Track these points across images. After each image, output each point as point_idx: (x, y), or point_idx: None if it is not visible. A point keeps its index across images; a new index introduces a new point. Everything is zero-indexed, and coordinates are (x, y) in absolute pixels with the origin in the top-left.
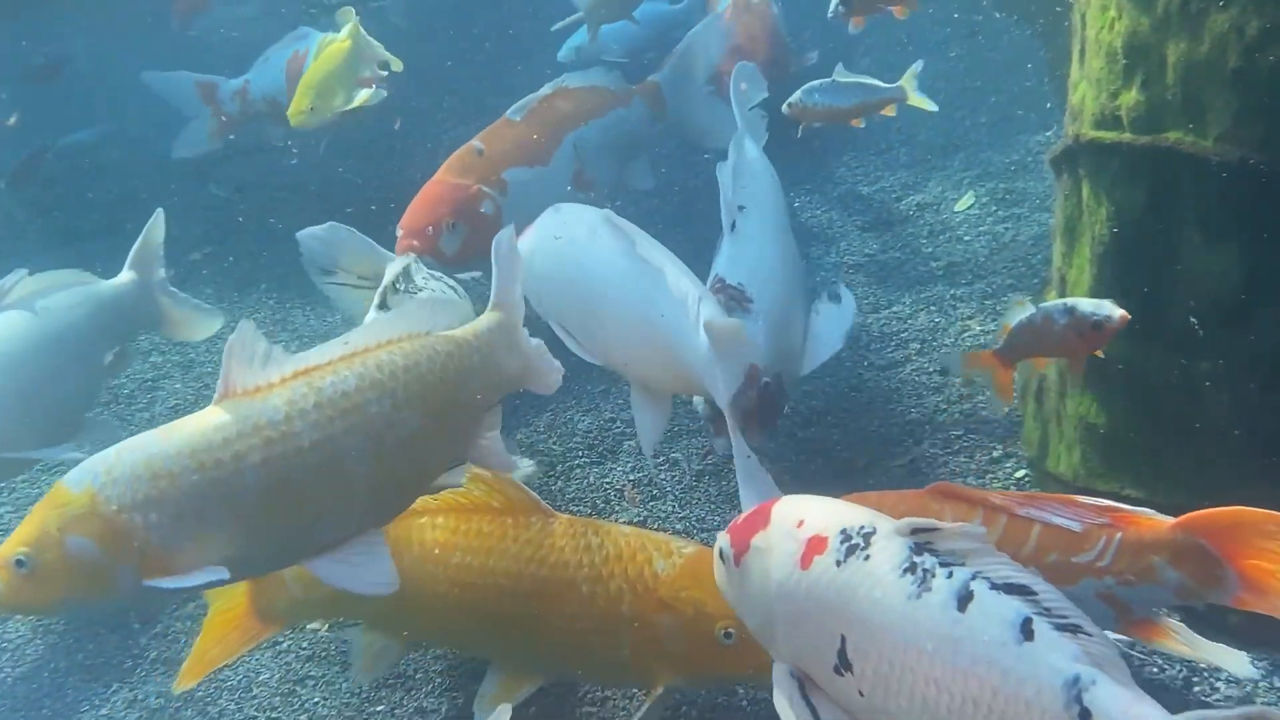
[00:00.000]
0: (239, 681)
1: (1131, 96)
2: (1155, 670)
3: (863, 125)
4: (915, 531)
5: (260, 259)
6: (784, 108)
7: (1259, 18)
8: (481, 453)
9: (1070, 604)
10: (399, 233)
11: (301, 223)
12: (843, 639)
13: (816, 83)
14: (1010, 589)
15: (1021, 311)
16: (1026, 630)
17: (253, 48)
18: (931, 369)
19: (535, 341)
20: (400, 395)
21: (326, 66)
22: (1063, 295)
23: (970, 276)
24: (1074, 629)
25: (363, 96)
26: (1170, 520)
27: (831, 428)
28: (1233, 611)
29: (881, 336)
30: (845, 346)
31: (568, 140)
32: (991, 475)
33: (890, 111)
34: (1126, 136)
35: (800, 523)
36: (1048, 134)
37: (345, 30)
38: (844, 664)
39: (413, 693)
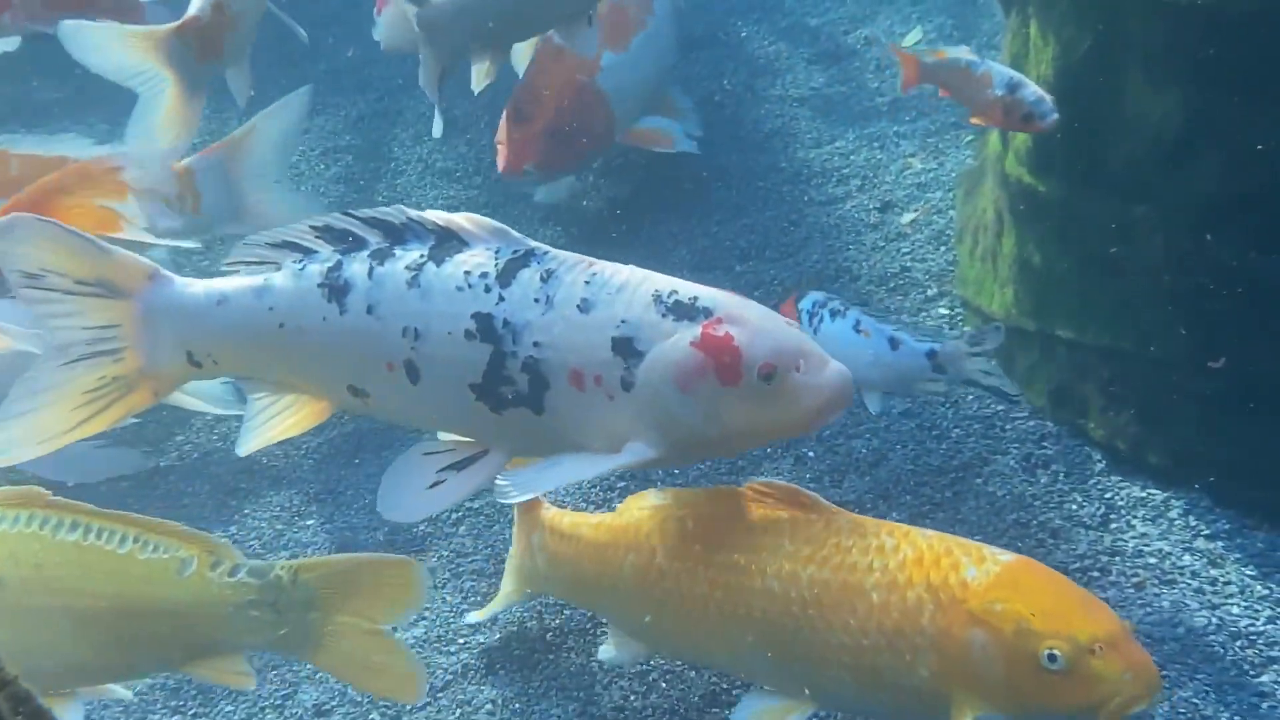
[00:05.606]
0: (169, 490)
1: None
2: (1074, 508)
3: None
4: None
5: None
6: None
7: None
8: None
9: None
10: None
11: None
12: None
13: None
14: None
15: (962, 55)
16: None
17: None
18: (872, 206)
19: None
20: None
21: None
22: (1005, 136)
23: (914, 113)
24: None
25: None
26: None
27: (769, 263)
28: (1153, 451)
29: (823, 172)
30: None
31: None
32: (925, 314)
33: None
34: None
35: None
36: None
37: None
38: None
39: (343, 509)
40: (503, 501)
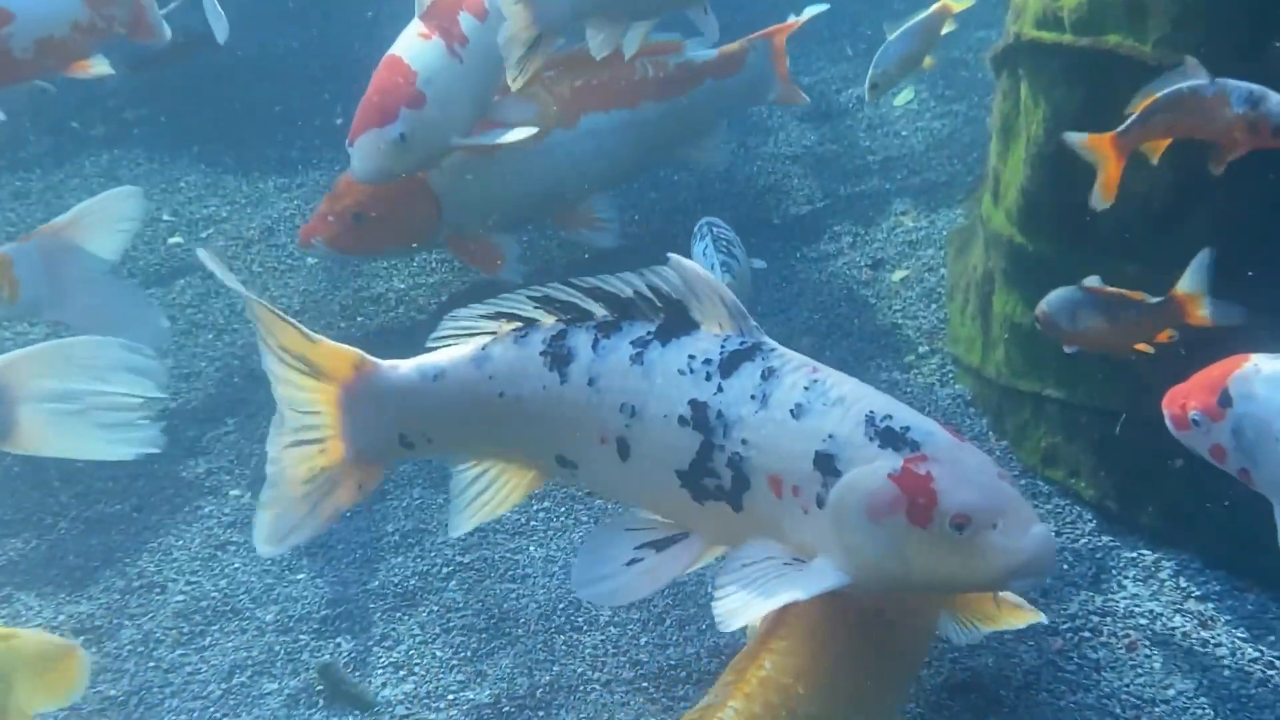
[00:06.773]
0: (159, 543)
1: None
2: (1065, 567)
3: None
4: None
5: (192, 120)
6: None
7: None
8: None
9: None
10: None
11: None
12: None
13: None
14: None
15: (1173, 79)
16: None
17: None
18: (863, 263)
19: None
20: None
21: None
22: (996, 195)
23: (905, 172)
24: None
25: None
26: None
27: (760, 319)
28: (1144, 511)
29: (815, 229)
30: (780, 242)
31: None
32: (916, 370)
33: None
34: (1067, 38)
35: None
36: (990, 31)
37: None
38: None
39: (333, 562)
40: (724, 629)
